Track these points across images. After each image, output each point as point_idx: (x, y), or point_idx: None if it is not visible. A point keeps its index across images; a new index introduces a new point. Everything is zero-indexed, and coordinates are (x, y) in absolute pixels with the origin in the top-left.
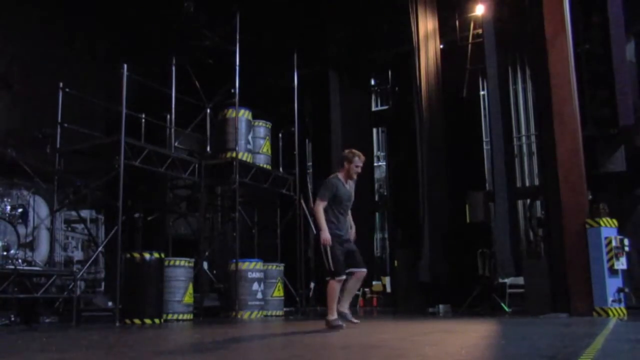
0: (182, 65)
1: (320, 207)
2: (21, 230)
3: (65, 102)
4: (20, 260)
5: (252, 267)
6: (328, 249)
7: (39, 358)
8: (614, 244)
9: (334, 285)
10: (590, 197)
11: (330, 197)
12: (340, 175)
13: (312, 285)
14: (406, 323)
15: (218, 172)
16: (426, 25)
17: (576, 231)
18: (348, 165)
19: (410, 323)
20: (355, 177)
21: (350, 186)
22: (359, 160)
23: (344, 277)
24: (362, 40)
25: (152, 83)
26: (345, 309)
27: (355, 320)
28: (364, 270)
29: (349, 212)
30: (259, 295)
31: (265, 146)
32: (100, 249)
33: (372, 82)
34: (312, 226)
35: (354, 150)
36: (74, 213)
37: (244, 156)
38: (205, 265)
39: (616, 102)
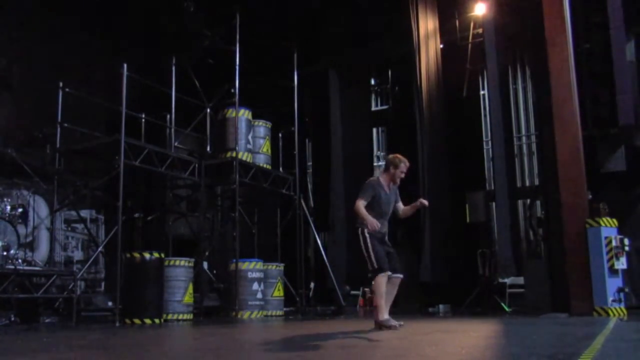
0: (182, 65)
1: (361, 204)
2: (21, 230)
3: (65, 102)
4: (20, 260)
5: (252, 267)
6: (369, 245)
7: (39, 358)
8: (614, 243)
9: (380, 281)
10: (590, 197)
11: (370, 199)
12: (382, 180)
13: (312, 285)
14: (406, 323)
15: (218, 172)
16: (426, 24)
17: (576, 231)
18: (394, 170)
19: (410, 323)
20: (398, 182)
21: (392, 190)
22: (404, 167)
23: (388, 272)
24: (362, 40)
25: (152, 83)
26: (386, 315)
27: (401, 323)
28: (400, 276)
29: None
30: (259, 295)
31: (265, 146)
32: (100, 249)
33: (372, 81)
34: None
35: (399, 156)
36: (74, 213)
37: (244, 156)
38: (205, 265)
39: (616, 102)
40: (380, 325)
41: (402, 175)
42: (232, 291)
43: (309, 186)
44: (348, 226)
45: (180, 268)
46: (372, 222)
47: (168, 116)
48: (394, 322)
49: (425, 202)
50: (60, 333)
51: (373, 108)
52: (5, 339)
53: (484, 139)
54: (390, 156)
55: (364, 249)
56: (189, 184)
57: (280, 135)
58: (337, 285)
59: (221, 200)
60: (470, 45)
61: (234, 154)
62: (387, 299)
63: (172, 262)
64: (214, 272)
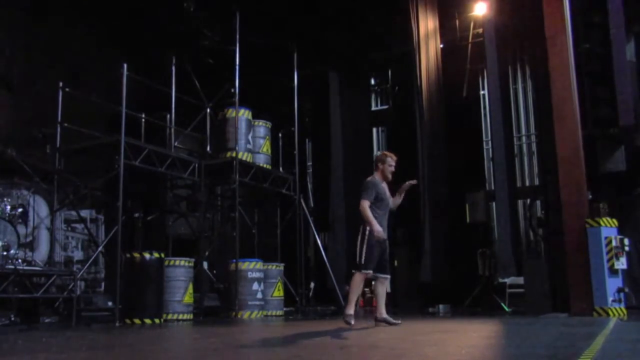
0: (182, 65)
1: (367, 205)
2: (21, 230)
3: (65, 102)
4: (20, 260)
5: (252, 267)
6: (365, 243)
7: (39, 358)
8: (614, 243)
9: (359, 279)
10: (590, 197)
11: (373, 197)
12: (377, 177)
13: (312, 285)
14: (406, 323)
15: (218, 172)
16: (426, 24)
17: (576, 231)
18: (382, 166)
19: (410, 323)
20: (390, 177)
21: (385, 187)
22: (391, 160)
23: (370, 272)
24: (362, 40)
25: (152, 83)
26: (384, 313)
27: (398, 321)
28: (388, 276)
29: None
30: (259, 295)
31: (265, 146)
32: (100, 249)
33: (372, 82)
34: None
35: (385, 152)
36: (74, 213)
37: (244, 156)
38: (205, 265)
39: (616, 102)
40: (344, 319)
41: (392, 169)
42: (232, 291)
43: (309, 186)
44: (348, 226)
45: (180, 268)
46: (378, 231)
47: (168, 116)
48: (352, 321)
49: (413, 181)
50: (60, 333)
51: (373, 108)
52: (5, 339)
53: (484, 139)
54: (378, 154)
55: (359, 243)
56: (189, 184)
57: (280, 135)
58: (337, 285)
59: (221, 200)
60: (470, 45)
61: (234, 154)
62: (380, 298)
63: (172, 262)
64: (214, 272)
